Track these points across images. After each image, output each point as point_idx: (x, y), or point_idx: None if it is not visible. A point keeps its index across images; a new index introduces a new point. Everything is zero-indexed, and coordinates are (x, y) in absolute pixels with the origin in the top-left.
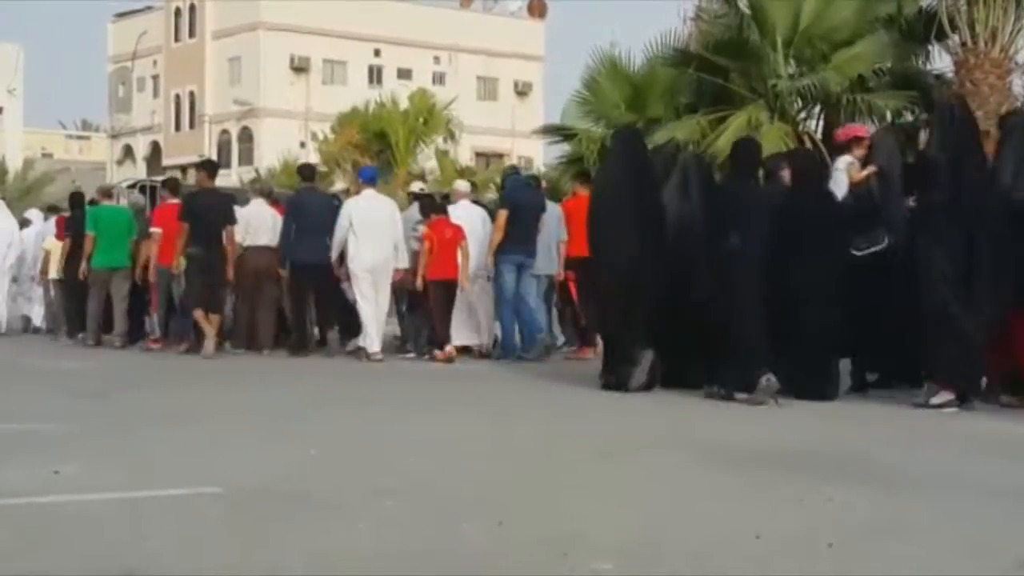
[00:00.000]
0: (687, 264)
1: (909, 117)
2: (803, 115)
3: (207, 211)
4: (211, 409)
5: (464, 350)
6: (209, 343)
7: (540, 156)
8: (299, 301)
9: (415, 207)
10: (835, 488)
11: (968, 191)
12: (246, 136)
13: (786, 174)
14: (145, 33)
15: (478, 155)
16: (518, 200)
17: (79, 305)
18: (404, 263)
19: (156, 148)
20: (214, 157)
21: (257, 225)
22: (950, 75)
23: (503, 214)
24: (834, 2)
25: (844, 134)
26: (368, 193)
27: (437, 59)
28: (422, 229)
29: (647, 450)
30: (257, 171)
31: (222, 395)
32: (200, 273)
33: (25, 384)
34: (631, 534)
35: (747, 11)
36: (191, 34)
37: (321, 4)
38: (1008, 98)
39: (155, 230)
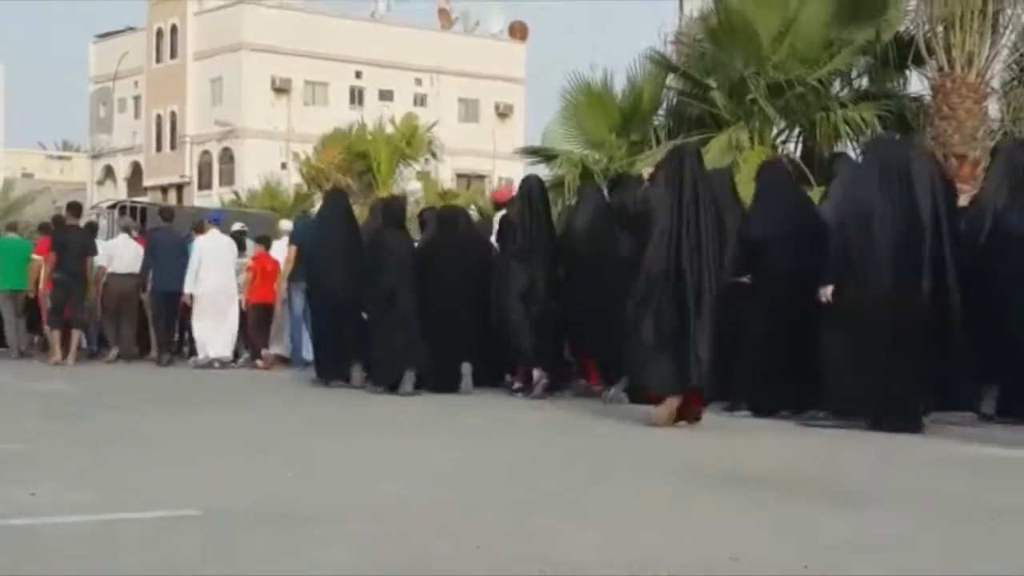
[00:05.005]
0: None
1: (880, 133)
2: (782, 138)
3: (70, 244)
4: (186, 430)
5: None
6: (57, 354)
7: (521, 177)
8: (158, 320)
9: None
10: (810, 509)
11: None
12: (227, 157)
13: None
14: (127, 54)
15: (459, 176)
16: (305, 238)
17: None
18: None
19: (137, 169)
20: (195, 178)
21: (119, 255)
22: (927, 99)
23: (293, 250)
24: (812, 27)
25: (501, 195)
26: (213, 232)
27: (419, 81)
28: (248, 262)
29: (622, 471)
30: (237, 193)
31: (196, 416)
32: (62, 294)
33: (2, 405)
34: (607, 556)
35: (725, 34)
36: (173, 55)
37: (303, 26)
38: (984, 122)
39: (36, 257)
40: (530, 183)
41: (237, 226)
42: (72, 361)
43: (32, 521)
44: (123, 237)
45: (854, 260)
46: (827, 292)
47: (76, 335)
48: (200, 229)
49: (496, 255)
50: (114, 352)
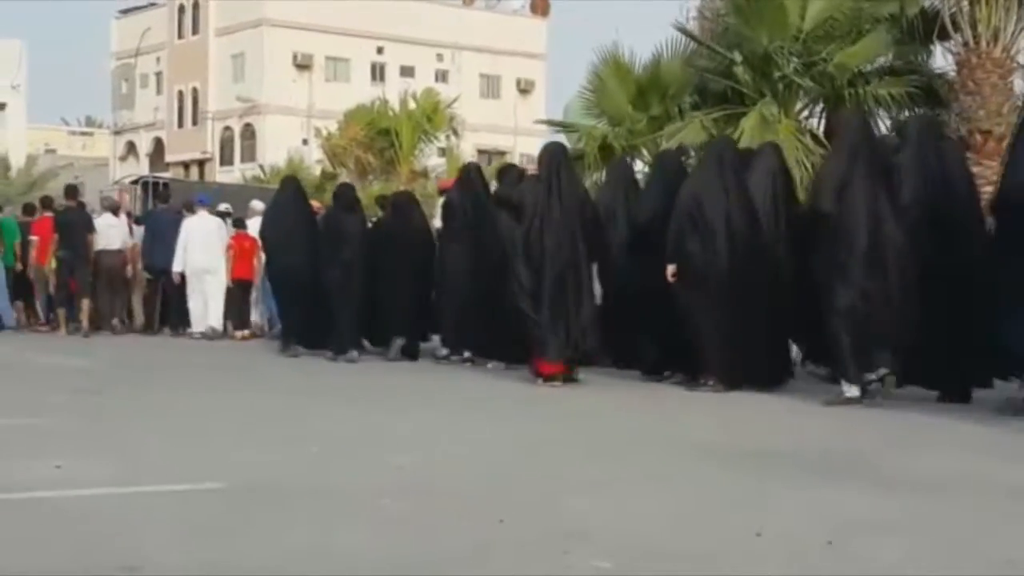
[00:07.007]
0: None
1: (906, 112)
2: (805, 113)
3: (72, 224)
4: (209, 405)
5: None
6: (62, 329)
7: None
8: (151, 296)
9: None
10: (833, 487)
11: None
12: (249, 133)
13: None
14: (149, 29)
15: (480, 152)
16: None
17: None
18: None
19: (159, 144)
20: (217, 154)
21: (104, 233)
22: (952, 74)
23: None
24: (836, 1)
25: (444, 184)
26: (202, 213)
27: (440, 57)
28: (228, 241)
29: (644, 447)
30: (262, 167)
31: (220, 391)
32: (66, 271)
33: (25, 380)
34: (631, 532)
35: (750, 7)
36: (195, 31)
37: (324, 1)
38: (1010, 98)
39: (33, 238)
40: (468, 169)
41: (222, 207)
42: (86, 327)
43: (58, 493)
44: (107, 215)
45: (692, 240)
46: (670, 271)
47: (86, 304)
48: (190, 209)
49: (439, 235)
50: (85, 324)
